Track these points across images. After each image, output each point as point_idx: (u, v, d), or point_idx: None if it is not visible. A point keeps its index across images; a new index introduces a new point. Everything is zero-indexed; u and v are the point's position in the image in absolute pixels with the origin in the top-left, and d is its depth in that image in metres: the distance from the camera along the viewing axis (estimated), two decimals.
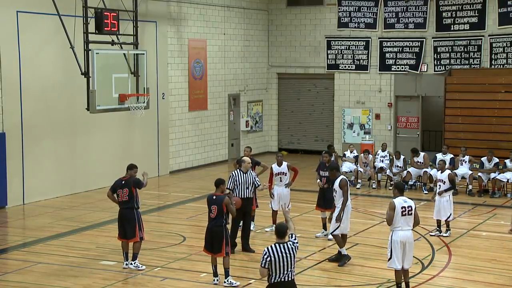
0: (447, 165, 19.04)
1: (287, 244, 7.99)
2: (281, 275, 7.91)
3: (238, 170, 13.15)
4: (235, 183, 12.91)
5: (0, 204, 16.77)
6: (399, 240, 10.23)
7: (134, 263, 11.87)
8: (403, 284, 10.47)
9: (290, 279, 7.95)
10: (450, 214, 14.13)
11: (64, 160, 18.37)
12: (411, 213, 10.27)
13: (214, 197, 11.18)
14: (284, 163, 14.40)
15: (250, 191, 13.03)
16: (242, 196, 12.81)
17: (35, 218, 16.04)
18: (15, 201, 17.09)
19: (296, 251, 8.00)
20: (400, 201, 10.27)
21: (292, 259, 7.95)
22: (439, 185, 14.29)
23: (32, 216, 16.22)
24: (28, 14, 17.11)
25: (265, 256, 7.91)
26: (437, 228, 14.32)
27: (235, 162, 15.00)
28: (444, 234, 14.13)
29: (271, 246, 7.96)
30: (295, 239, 8.07)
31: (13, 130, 16.97)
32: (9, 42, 16.76)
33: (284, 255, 7.90)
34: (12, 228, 15.44)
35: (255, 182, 13.11)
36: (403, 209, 10.21)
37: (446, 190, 14.14)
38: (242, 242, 12.95)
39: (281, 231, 8.07)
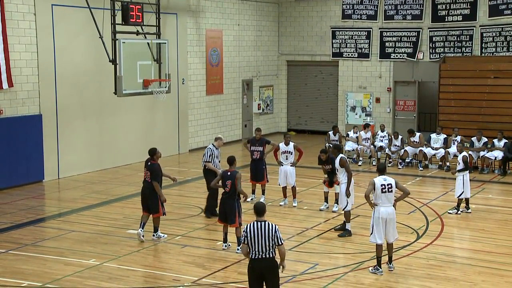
0: (440, 144, 19.08)
1: (266, 223, 7.61)
2: (259, 252, 7.55)
3: (212, 145, 13.41)
4: (212, 156, 13.24)
5: (38, 178, 16.88)
6: (380, 216, 10.12)
7: (156, 235, 11.82)
8: (386, 258, 10.34)
9: (269, 256, 7.56)
10: (462, 192, 13.70)
11: (94, 139, 18.43)
12: (391, 190, 10.11)
13: (229, 173, 11.21)
14: (291, 144, 14.41)
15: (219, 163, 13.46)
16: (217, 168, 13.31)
17: (68, 191, 16.15)
18: (51, 175, 17.20)
19: (273, 233, 7.52)
20: (380, 180, 10.15)
21: (269, 238, 7.51)
22: (458, 164, 14.08)
23: (66, 189, 16.34)
24: (61, 7, 17.07)
25: (243, 232, 7.70)
26: (465, 206, 13.92)
27: (245, 142, 15.04)
28: (450, 211, 13.85)
29: (250, 223, 7.67)
30: (282, 238, 7.64)
31: (49, 112, 17.03)
32: (45, 33, 16.75)
33: (261, 232, 7.52)
34: (49, 200, 15.56)
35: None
36: (383, 186, 10.09)
37: (459, 171, 13.78)
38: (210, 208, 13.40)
39: (258, 210, 7.73)
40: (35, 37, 16.52)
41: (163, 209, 11.81)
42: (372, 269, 10.27)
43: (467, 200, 13.93)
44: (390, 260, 10.32)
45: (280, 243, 7.61)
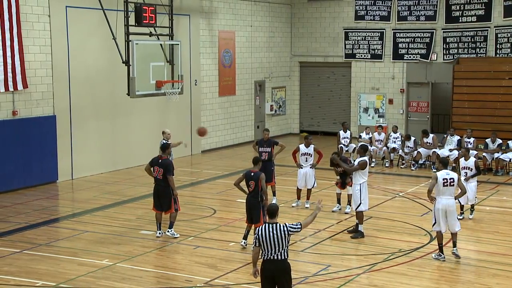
0: (454, 146, 18.99)
1: (278, 225, 7.60)
2: (271, 253, 7.52)
3: (164, 140, 14.27)
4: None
5: (52, 179, 17.00)
6: (441, 208, 10.66)
7: (171, 231, 11.97)
8: (450, 244, 10.97)
9: (281, 258, 7.53)
10: (476, 198, 13.52)
11: (107, 140, 18.53)
12: (453, 184, 10.65)
13: (252, 173, 11.23)
14: (311, 146, 14.39)
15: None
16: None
17: (82, 191, 16.25)
18: (65, 176, 17.32)
19: (287, 233, 7.51)
20: (443, 174, 10.69)
21: (281, 239, 7.49)
22: (465, 172, 13.09)
23: (79, 190, 16.44)
24: (75, 8, 17.20)
25: (255, 235, 7.69)
26: (461, 212, 13.40)
27: (254, 144, 15.11)
28: (470, 216, 13.46)
29: (262, 226, 7.68)
30: (296, 224, 7.65)
31: (63, 113, 17.15)
32: (59, 34, 16.88)
33: (272, 234, 7.50)
34: (62, 200, 15.67)
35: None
36: (445, 180, 10.62)
37: (473, 176, 13.13)
38: None
39: (271, 212, 7.73)
40: (49, 39, 16.65)
41: (176, 205, 11.97)
42: (435, 255, 10.85)
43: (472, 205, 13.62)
44: (454, 245, 10.87)
45: (298, 229, 7.61)
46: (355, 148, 19.55)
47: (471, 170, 13.13)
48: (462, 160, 13.32)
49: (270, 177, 14.47)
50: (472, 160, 13.23)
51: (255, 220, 11.14)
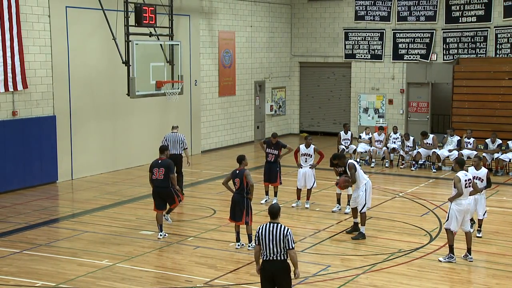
0: (453, 146, 18.98)
1: (279, 225, 7.60)
2: (270, 254, 7.54)
3: (171, 132, 14.92)
4: (167, 141, 14.70)
5: (52, 180, 17.00)
6: (461, 209, 10.62)
7: (166, 216, 12.63)
8: (460, 248, 10.94)
9: (280, 258, 7.54)
10: (485, 212, 12.12)
11: (107, 140, 18.53)
12: (470, 185, 10.75)
13: (237, 171, 11.37)
14: (312, 146, 14.39)
15: (179, 148, 14.83)
16: (172, 152, 14.36)
17: (82, 192, 16.25)
18: (65, 176, 17.32)
19: (287, 236, 7.50)
20: (463, 175, 10.68)
21: (281, 240, 7.48)
22: (476, 183, 11.31)
23: (79, 190, 16.44)
24: (75, 9, 17.20)
25: (256, 233, 7.67)
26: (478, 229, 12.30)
27: (261, 142, 15.09)
28: (478, 235, 12.16)
29: (263, 225, 7.67)
30: (294, 241, 7.60)
31: (63, 113, 17.15)
32: (59, 35, 16.88)
33: (272, 233, 7.53)
34: (62, 200, 15.66)
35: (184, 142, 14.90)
36: (465, 182, 10.65)
37: (485, 188, 11.83)
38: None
39: (272, 212, 7.72)
40: (49, 39, 16.65)
41: (179, 198, 12.29)
42: (444, 259, 10.75)
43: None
44: (469, 251, 10.82)
45: (290, 247, 7.57)
46: (355, 149, 19.59)
47: (481, 181, 11.71)
48: (471, 168, 11.78)
49: (275, 177, 14.47)
50: (484, 170, 11.84)
51: (237, 218, 11.23)
